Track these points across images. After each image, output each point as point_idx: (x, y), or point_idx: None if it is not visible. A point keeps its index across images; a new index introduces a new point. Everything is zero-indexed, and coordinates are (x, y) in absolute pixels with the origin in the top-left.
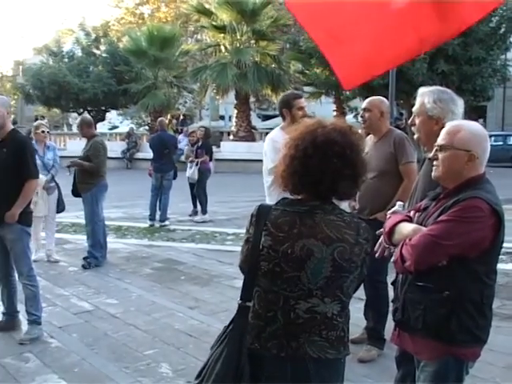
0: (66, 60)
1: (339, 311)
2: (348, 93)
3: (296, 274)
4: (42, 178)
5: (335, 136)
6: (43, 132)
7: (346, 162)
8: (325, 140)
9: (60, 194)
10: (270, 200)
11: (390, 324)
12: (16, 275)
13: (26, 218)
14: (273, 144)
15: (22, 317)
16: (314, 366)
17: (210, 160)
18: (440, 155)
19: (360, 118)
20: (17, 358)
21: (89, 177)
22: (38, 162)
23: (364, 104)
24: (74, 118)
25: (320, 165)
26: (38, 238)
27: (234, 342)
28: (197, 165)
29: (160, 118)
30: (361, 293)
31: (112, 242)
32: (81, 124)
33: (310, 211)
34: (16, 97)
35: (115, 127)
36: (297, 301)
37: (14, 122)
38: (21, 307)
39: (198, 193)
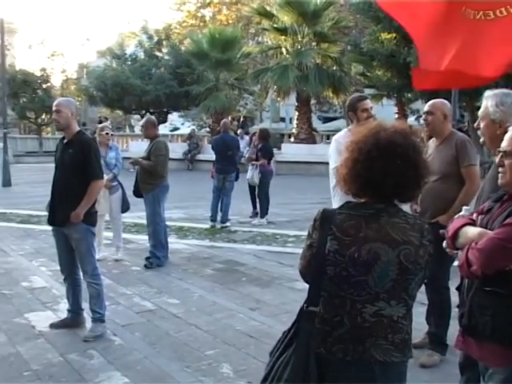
0: (129, 62)
1: (404, 314)
2: (410, 95)
3: (363, 278)
4: (105, 176)
5: (397, 138)
6: (107, 134)
7: (409, 164)
8: (388, 142)
9: (124, 193)
10: (333, 201)
11: (452, 329)
12: (81, 274)
13: (90, 217)
14: (336, 145)
15: (87, 314)
16: (379, 369)
17: (269, 163)
18: (506, 162)
19: (423, 121)
20: (81, 354)
21: (150, 177)
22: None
23: (426, 107)
24: (136, 120)
25: (383, 167)
26: (101, 237)
27: (301, 347)
28: (256, 168)
29: (223, 120)
30: (422, 297)
31: (173, 243)
32: (146, 124)
33: (375, 214)
34: (80, 99)
35: (176, 129)
36: (364, 305)
37: (83, 124)
38: (85, 305)
39: (260, 195)
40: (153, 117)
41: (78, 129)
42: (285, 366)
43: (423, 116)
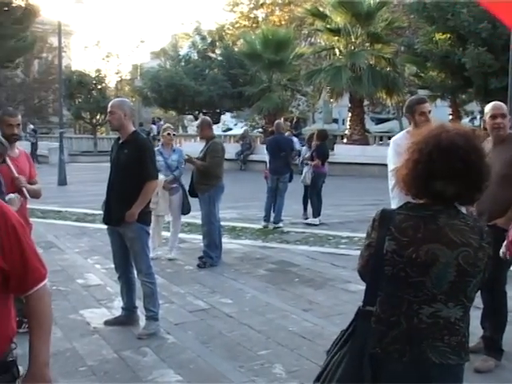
0: (183, 63)
1: (461, 316)
2: (464, 96)
3: (421, 279)
4: (162, 178)
5: (459, 140)
6: (169, 134)
7: (470, 167)
8: (449, 144)
9: (185, 196)
10: (392, 203)
11: (508, 334)
12: (135, 272)
13: (145, 217)
14: (395, 147)
15: (140, 312)
16: (436, 371)
17: (323, 164)
18: None
19: (479, 123)
20: (135, 351)
21: (206, 178)
22: (162, 162)
23: (498, 110)
24: (189, 120)
25: (444, 169)
26: (160, 237)
27: (356, 346)
28: (310, 168)
29: (277, 121)
30: (477, 300)
31: (226, 243)
32: (201, 125)
33: (433, 215)
34: (134, 99)
35: (229, 129)
36: (420, 305)
37: (140, 124)
38: (139, 303)
39: (311, 196)
40: (208, 118)
41: (133, 129)
42: (338, 365)
43: (497, 120)
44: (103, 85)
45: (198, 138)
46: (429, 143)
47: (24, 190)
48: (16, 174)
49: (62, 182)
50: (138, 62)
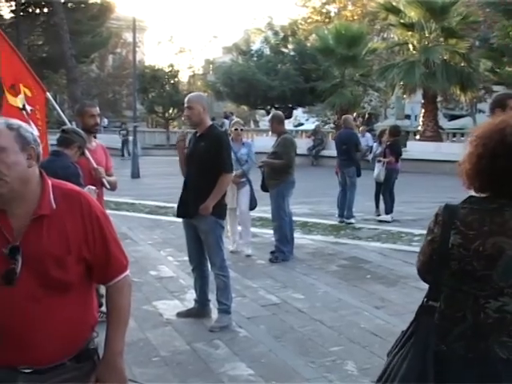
0: (255, 58)
1: None
2: None
3: (488, 273)
4: (236, 171)
5: None
6: (236, 130)
7: None
8: None
9: (252, 190)
10: None
11: None
12: (208, 265)
13: (219, 210)
14: None
15: (213, 305)
16: (503, 367)
17: (397, 161)
18: None
19: None
20: (207, 344)
21: (276, 173)
22: (232, 156)
23: None
24: (261, 115)
25: (509, 164)
26: (234, 230)
27: (419, 342)
28: (383, 165)
29: (345, 116)
30: None
31: (298, 238)
32: (272, 120)
33: (498, 209)
34: (206, 94)
35: (301, 124)
36: (487, 300)
37: (212, 119)
38: (211, 296)
39: (384, 193)
40: (280, 112)
41: (210, 123)
42: (401, 364)
43: None
44: (176, 79)
45: (270, 133)
46: (493, 138)
47: (104, 180)
48: (95, 166)
49: (135, 174)
50: (210, 57)
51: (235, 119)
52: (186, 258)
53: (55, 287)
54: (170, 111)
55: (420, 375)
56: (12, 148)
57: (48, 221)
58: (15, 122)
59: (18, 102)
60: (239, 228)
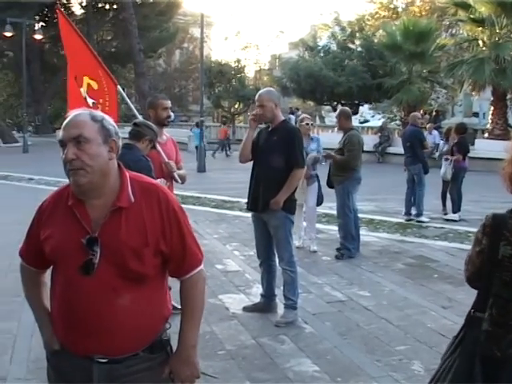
0: (322, 54)
1: None
2: None
3: None
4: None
5: None
6: (307, 124)
7: None
8: None
9: (320, 186)
10: None
11: None
12: (276, 260)
13: (290, 205)
14: None
15: (279, 300)
16: None
17: (464, 159)
18: None
19: None
20: (273, 339)
21: (341, 169)
22: None
23: None
24: (327, 111)
25: None
26: (301, 225)
27: (466, 352)
28: (450, 163)
29: (413, 113)
30: None
31: (364, 235)
32: (339, 116)
33: None
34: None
35: (366, 121)
36: None
37: None
38: (278, 291)
39: (451, 191)
40: (347, 108)
41: (282, 118)
42: (449, 369)
43: None
44: (242, 74)
45: (336, 129)
46: None
47: (175, 174)
48: (166, 159)
49: (201, 169)
50: (276, 53)
51: (302, 114)
52: (252, 253)
53: (132, 279)
54: (236, 106)
55: (467, 380)
56: (95, 139)
57: (126, 213)
58: (99, 114)
59: (83, 93)
60: (304, 224)
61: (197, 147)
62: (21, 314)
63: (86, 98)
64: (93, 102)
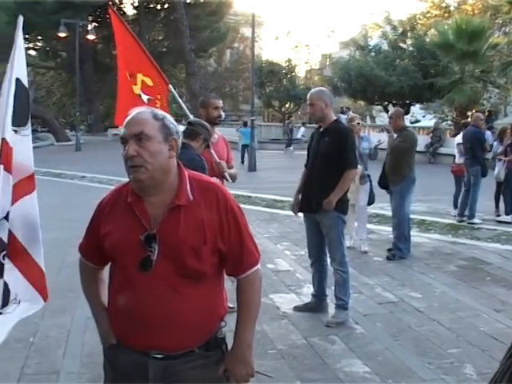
0: (373, 54)
1: None
2: None
3: None
4: (359, 167)
5: None
6: (358, 124)
7: None
8: None
9: (371, 186)
10: None
11: None
12: (328, 260)
13: (342, 205)
14: None
15: (330, 301)
16: None
17: None
18: None
19: None
20: (323, 339)
21: (398, 169)
22: None
23: None
24: (378, 111)
25: None
26: (352, 226)
27: None
28: (503, 163)
29: (475, 114)
30: None
31: (415, 236)
32: (393, 116)
33: None
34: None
35: (417, 121)
36: None
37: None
38: (329, 291)
39: (504, 192)
40: (401, 109)
41: (334, 118)
42: (504, 373)
43: None
44: (293, 74)
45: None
46: None
47: (226, 174)
48: (217, 159)
49: (252, 168)
50: (327, 52)
51: (352, 114)
52: (303, 252)
53: (190, 276)
54: (287, 105)
55: None
56: (156, 137)
57: (185, 211)
58: (160, 112)
59: (136, 90)
60: (355, 224)
61: (243, 146)
62: (74, 309)
63: (140, 96)
64: (148, 98)
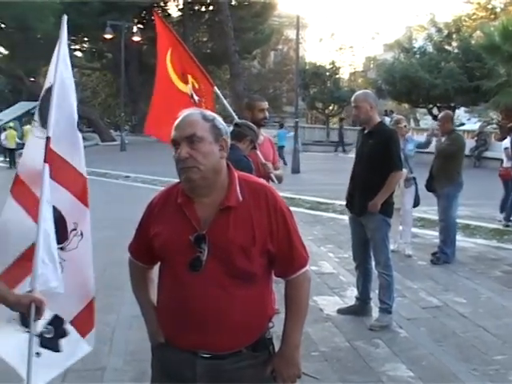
0: (418, 56)
1: None
2: None
3: None
4: (404, 170)
5: None
6: (405, 126)
7: None
8: None
9: (417, 189)
10: None
11: None
12: (372, 263)
13: (387, 208)
14: None
15: (373, 304)
16: None
17: None
18: None
19: None
20: (367, 342)
21: (447, 173)
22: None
23: None
24: (422, 114)
25: None
26: (397, 229)
27: None
28: None
29: None
30: None
31: (460, 241)
32: (444, 118)
33: None
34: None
35: (462, 124)
36: None
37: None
38: (373, 295)
39: None
40: (450, 112)
41: (378, 120)
42: None
43: None
44: (337, 76)
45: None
46: None
47: (272, 175)
48: (263, 161)
49: (296, 169)
50: (371, 54)
51: (398, 116)
52: (346, 255)
53: (240, 277)
54: (331, 108)
55: None
56: (207, 138)
57: (234, 212)
58: (210, 113)
59: (187, 89)
60: (400, 228)
61: (281, 147)
62: (120, 307)
63: (192, 96)
64: (198, 99)
